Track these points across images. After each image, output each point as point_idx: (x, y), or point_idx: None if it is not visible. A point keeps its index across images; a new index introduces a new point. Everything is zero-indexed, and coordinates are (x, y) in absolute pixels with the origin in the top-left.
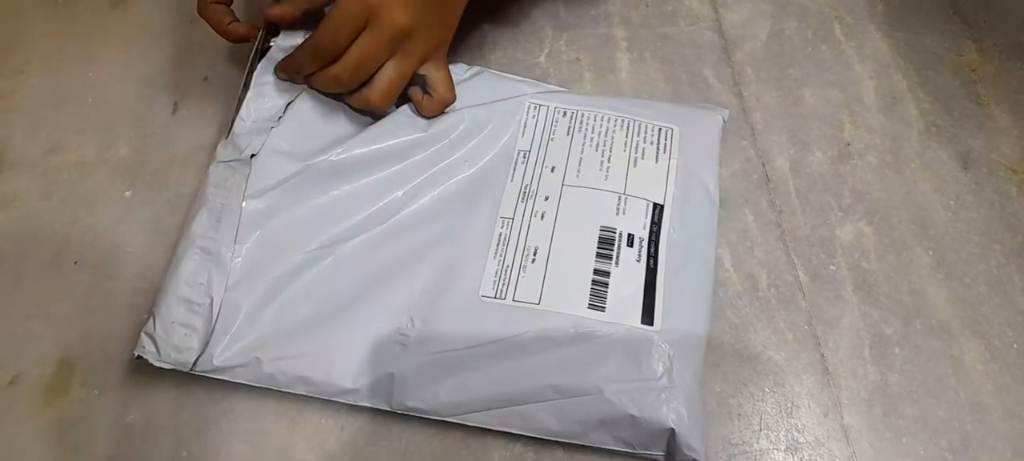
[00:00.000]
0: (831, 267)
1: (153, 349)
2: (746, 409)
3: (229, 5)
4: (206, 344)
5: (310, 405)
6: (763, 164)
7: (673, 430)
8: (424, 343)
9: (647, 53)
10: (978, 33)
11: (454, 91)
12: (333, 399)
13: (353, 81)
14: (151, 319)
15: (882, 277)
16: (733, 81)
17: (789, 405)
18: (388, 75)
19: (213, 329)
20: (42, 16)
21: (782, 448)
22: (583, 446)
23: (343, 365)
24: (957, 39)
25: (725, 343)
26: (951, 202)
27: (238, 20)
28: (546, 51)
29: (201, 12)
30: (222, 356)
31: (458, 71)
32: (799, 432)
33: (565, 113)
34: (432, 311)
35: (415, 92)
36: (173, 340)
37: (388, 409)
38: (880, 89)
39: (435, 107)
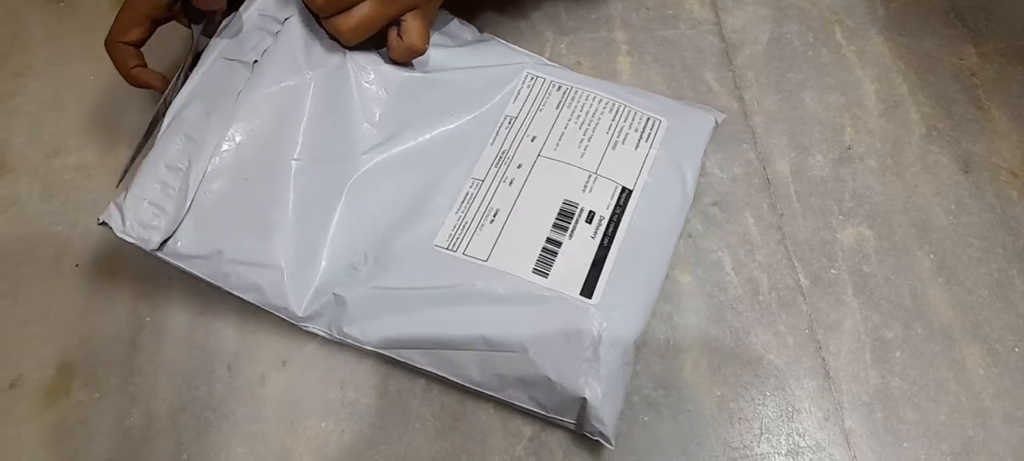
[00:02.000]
0: (832, 271)
1: (119, 221)
2: (747, 413)
3: (138, 47)
4: (174, 230)
5: (310, 410)
6: (764, 167)
7: (585, 400)
8: (371, 278)
9: (648, 56)
10: (978, 37)
11: (426, 42)
12: (278, 315)
13: (328, 6)
14: (124, 193)
15: (883, 281)
16: (734, 84)
17: (790, 409)
18: (363, 12)
19: (183, 217)
20: (44, 18)
21: (783, 452)
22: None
23: (296, 284)
24: (957, 43)
25: (726, 346)
26: (952, 206)
27: (144, 65)
28: (547, 54)
29: (108, 50)
30: (186, 243)
31: (467, 32)
32: (800, 436)
33: (559, 88)
34: (385, 252)
35: (391, 32)
36: (141, 217)
37: (328, 336)
38: (881, 93)
39: (401, 52)
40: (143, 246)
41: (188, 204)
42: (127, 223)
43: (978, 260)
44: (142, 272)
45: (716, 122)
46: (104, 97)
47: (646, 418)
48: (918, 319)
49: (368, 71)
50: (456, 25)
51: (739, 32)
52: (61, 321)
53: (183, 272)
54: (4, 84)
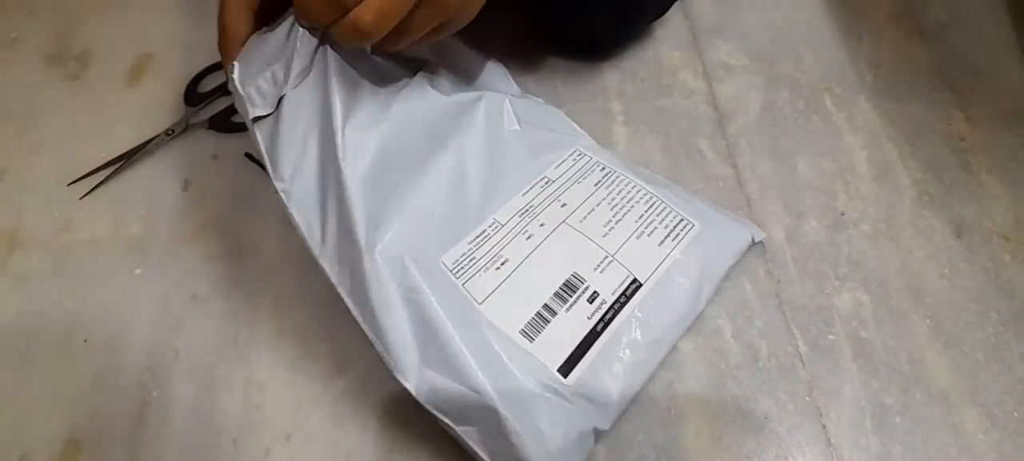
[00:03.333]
0: (830, 336)
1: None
2: None
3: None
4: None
5: None
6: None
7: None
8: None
9: (643, 126)
10: (965, 102)
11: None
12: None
13: (377, 31)
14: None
15: (881, 346)
16: (728, 152)
17: None
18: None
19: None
20: (58, 95)
21: None
22: None
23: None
24: (945, 108)
25: (727, 415)
26: (946, 270)
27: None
28: None
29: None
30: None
31: (532, 101)
32: None
33: (603, 168)
34: (392, 234)
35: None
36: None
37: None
38: (872, 158)
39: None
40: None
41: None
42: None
43: (974, 324)
44: (149, 347)
45: (753, 239)
46: (116, 172)
47: None
48: (917, 384)
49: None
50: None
51: (732, 101)
52: (69, 396)
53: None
54: (19, 160)
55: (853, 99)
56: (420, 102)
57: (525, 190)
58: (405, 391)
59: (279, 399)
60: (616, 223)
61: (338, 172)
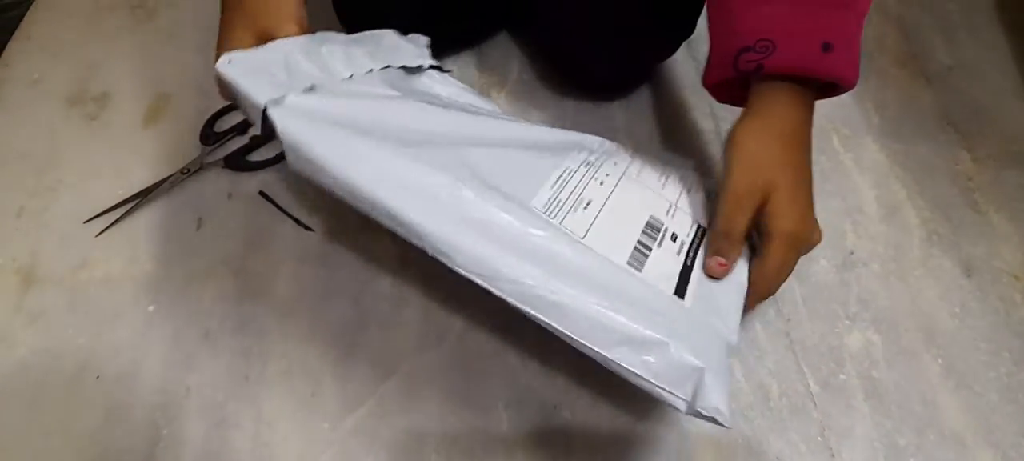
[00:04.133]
0: (841, 376)
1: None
2: None
3: None
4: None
5: None
6: None
7: (703, 372)
8: (472, 205)
9: None
10: (972, 142)
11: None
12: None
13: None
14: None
15: (892, 386)
16: None
17: None
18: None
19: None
20: (78, 135)
21: None
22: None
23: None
24: (952, 149)
25: (738, 455)
26: (957, 309)
27: None
28: None
29: None
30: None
31: None
32: None
33: (630, 151)
34: (484, 188)
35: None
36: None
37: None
38: (880, 198)
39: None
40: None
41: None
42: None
43: (986, 364)
44: (160, 383)
45: None
46: (131, 210)
47: None
48: (930, 425)
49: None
50: None
51: None
52: (81, 433)
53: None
54: (37, 198)
55: (860, 140)
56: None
57: (578, 151)
58: (414, 425)
59: (289, 437)
60: (667, 180)
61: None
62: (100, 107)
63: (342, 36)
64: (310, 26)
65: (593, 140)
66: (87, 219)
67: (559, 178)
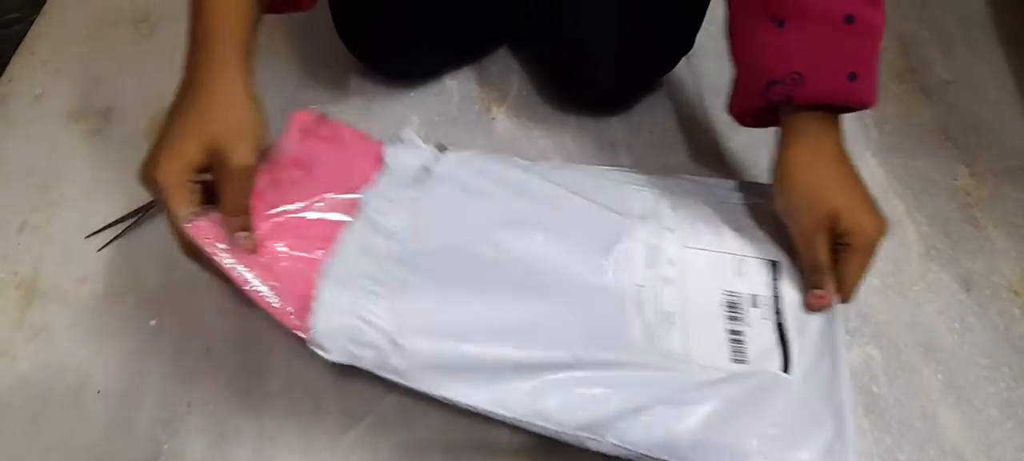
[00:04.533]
0: None
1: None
2: None
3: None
4: None
5: None
6: None
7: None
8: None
9: None
10: (970, 158)
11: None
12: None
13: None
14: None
15: (892, 401)
16: None
17: None
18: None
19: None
20: (81, 149)
21: None
22: None
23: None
24: (951, 164)
25: None
26: (956, 324)
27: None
28: None
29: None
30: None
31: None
32: None
33: (662, 183)
34: (588, 348)
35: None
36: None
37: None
38: None
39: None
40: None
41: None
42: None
43: (986, 379)
44: (161, 398)
45: None
46: (133, 225)
47: None
48: (930, 440)
49: None
50: None
51: (739, 155)
52: (82, 447)
53: None
54: (40, 212)
55: (859, 154)
56: None
57: (637, 236)
58: (415, 440)
59: (289, 452)
60: (714, 227)
61: None
62: (103, 122)
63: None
64: (302, 56)
65: (625, 203)
66: (89, 234)
67: (637, 298)
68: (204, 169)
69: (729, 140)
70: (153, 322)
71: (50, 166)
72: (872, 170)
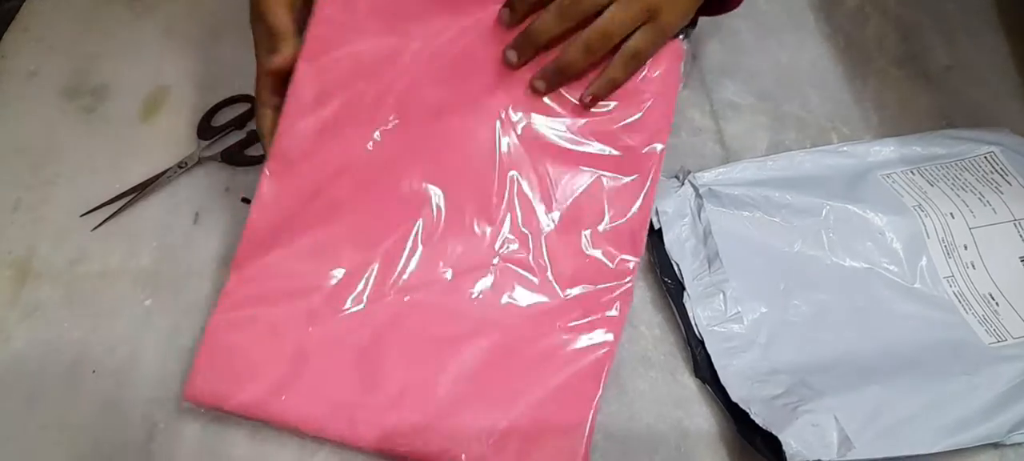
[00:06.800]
0: None
1: None
2: None
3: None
4: None
5: None
6: None
7: None
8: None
9: None
10: None
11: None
12: None
13: (601, 49)
14: None
15: None
16: None
17: None
18: (636, 44)
19: None
20: (75, 128)
21: None
22: None
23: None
24: None
25: (735, 454)
26: None
27: None
28: None
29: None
30: None
31: None
32: None
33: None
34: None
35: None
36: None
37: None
38: None
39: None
40: None
41: None
42: None
43: None
44: (158, 378)
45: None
46: (128, 205)
47: None
48: None
49: None
50: None
51: (739, 139)
52: (76, 426)
53: None
54: (33, 191)
55: (859, 138)
56: None
57: (931, 233)
58: None
59: (285, 436)
60: (984, 191)
61: None
62: (98, 100)
63: None
64: None
65: (896, 199)
66: (84, 213)
67: (958, 297)
68: None
69: (729, 121)
70: (148, 301)
71: (44, 144)
72: None
